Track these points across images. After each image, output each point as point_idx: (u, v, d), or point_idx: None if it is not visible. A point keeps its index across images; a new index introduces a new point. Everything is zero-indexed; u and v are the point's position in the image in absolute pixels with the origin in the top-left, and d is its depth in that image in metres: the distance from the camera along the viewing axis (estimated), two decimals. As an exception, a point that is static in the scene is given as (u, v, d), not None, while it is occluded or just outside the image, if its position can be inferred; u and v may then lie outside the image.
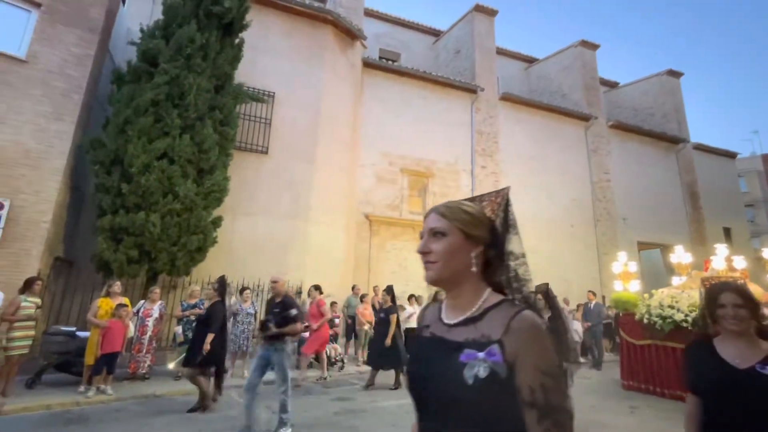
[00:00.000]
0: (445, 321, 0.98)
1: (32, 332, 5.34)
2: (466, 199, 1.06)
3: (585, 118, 15.48)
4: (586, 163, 15.17)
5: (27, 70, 6.92)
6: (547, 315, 4.57)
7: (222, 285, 5.30)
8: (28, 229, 6.56)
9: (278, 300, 4.43)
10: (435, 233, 0.98)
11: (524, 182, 13.66)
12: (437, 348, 0.95)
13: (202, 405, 4.99)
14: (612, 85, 21.00)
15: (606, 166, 15.36)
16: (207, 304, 7.64)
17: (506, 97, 14.27)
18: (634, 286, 8.08)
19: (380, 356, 6.58)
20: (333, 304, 8.49)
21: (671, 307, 6.41)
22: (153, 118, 7.20)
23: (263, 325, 4.32)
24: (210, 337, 4.91)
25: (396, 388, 6.40)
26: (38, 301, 5.47)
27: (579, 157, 15.11)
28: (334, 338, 7.97)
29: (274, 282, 4.51)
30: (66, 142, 7.09)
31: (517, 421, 0.82)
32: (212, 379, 5.17)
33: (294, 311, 4.33)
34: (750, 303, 1.53)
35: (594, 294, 9.81)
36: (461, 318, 0.95)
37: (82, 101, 7.37)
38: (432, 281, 0.97)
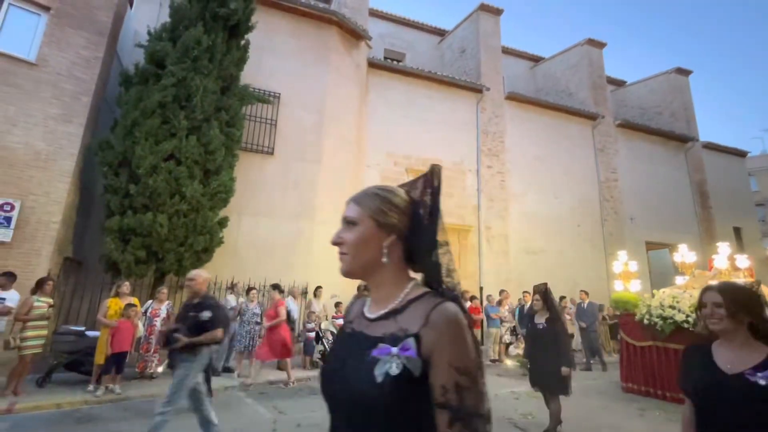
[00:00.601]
0: (367, 315, 0.91)
1: (44, 332, 5.44)
2: (402, 185, 0.98)
3: (592, 117, 15.36)
4: (593, 163, 15.04)
5: (37, 72, 7.02)
6: (545, 316, 4.46)
7: None
8: (38, 230, 6.65)
9: (196, 301, 3.62)
10: (348, 222, 0.92)
11: (530, 182, 13.59)
12: (355, 344, 0.87)
13: None
14: (619, 83, 20.81)
15: (613, 165, 15.22)
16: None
17: (512, 97, 14.20)
18: (636, 286, 7.94)
19: None
20: (338, 304, 8.51)
21: (672, 307, 6.23)
22: (160, 120, 7.27)
23: (168, 339, 3.55)
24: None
25: None
26: (50, 300, 5.56)
27: (586, 157, 14.98)
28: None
29: (190, 280, 3.63)
30: (75, 144, 7.18)
31: (432, 426, 0.74)
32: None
33: (206, 314, 3.50)
34: (732, 302, 1.42)
35: (586, 293, 9.64)
36: (382, 312, 0.88)
37: (91, 103, 7.47)
38: (344, 273, 0.91)
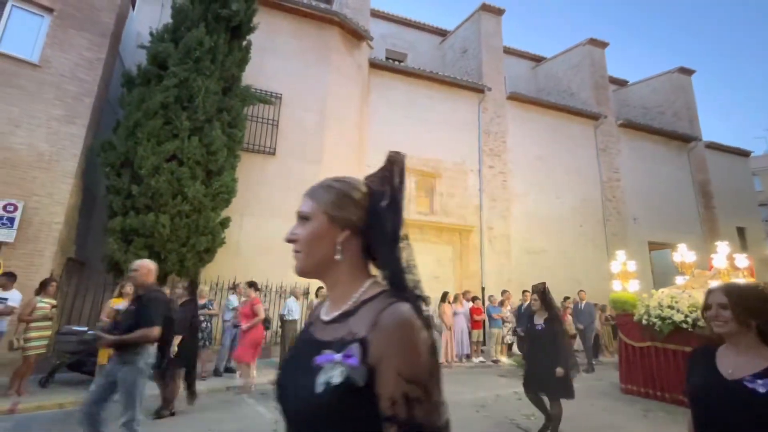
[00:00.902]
0: (322, 317, 0.85)
1: (48, 332, 5.48)
2: (367, 176, 0.91)
3: (594, 117, 15.32)
4: (596, 163, 15.00)
5: (40, 74, 7.05)
6: (544, 316, 4.35)
7: (192, 285, 5.14)
8: (41, 231, 6.68)
9: (139, 294, 3.23)
10: (301, 217, 0.87)
11: (532, 182, 13.57)
12: (306, 349, 0.80)
13: (166, 408, 4.77)
14: (621, 83, 20.74)
15: (616, 165, 15.18)
16: (215, 304, 7.73)
17: (514, 97, 14.18)
18: (635, 286, 7.87)
19: None
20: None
21: (671, 307, 6.15)
22: (162, 121, 7.29)
23: (83, 340, 3.24)
24: (177, 339, 4.71)
25: None
26: (53, 301, 5.59)
27: (588, 157, 14.95)
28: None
29: (134, 270, 3.22)
30: (78, 145, 7.21)
31: None
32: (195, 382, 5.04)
33: (131, 306, 3.11)
34: (738, 304, 1.34)
35: (585, 294, 9.62)
36: (336, 314, 0.81)
37: (93, 104, 7.50)
38: (298, 272, 0.86)
